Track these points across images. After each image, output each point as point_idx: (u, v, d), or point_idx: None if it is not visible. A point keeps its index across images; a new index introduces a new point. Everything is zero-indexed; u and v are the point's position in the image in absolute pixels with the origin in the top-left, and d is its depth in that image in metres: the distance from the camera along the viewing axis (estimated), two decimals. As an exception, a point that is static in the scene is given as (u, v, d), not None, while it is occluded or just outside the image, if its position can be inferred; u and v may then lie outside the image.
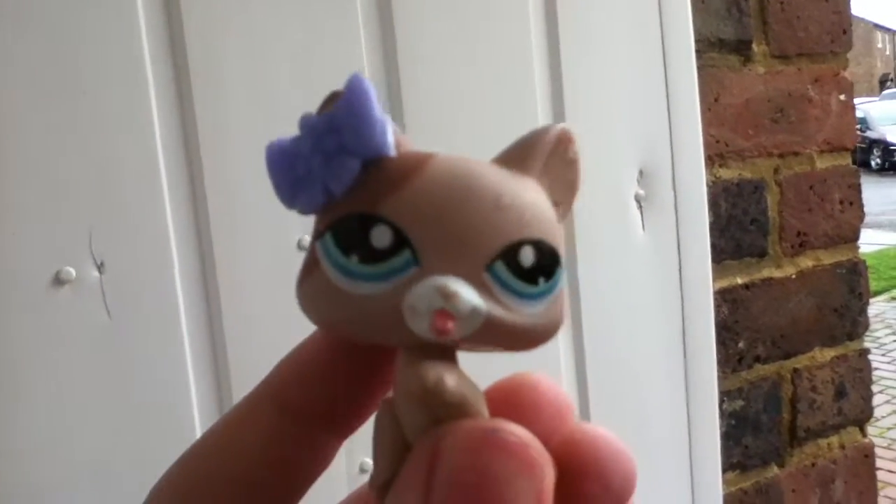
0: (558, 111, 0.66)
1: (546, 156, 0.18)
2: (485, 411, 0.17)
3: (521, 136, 0.19)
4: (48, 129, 0.48)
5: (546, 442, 0.17)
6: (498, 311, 0.16)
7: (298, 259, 0.60)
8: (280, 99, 0.54)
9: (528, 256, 0.17)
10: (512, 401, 0.20)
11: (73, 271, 0.49)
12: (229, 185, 0.53)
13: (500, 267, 0.17)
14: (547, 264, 0.17)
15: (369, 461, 0.58)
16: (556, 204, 0.18)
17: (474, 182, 0.17)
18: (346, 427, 0.20)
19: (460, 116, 0.62)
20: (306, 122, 0.17)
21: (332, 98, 0.17)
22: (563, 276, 0.18)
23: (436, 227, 0.16)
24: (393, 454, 0.17)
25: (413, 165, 0.17)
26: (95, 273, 0.50)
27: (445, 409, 0.16)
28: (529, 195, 0.18)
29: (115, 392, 0.51)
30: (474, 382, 0.17)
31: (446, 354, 0.17)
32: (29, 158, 0.48)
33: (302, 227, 0.54)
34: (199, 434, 0.53)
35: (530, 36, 0.64)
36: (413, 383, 0.16)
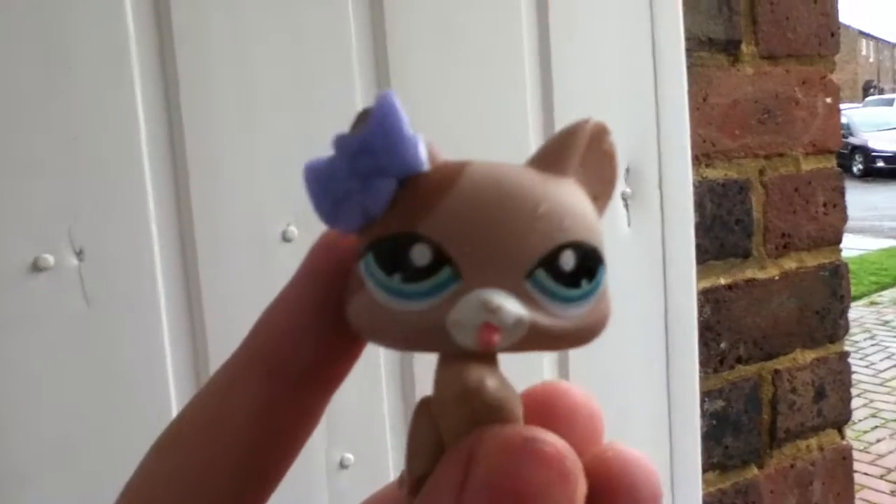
0: (548, 107, 0.66)
1: (582, 152, 0.18)
2: (521, 416, 0.17)
3: (556, 134, 0.19)
4: (27, 108, 0.47)
5: (580, 451, 0.17)
6: (542, 319, 0.17)
7: (282, 249, 0.59)
8: (267, 85, 0.54)
9: (568, 261, 0.17)
10: (548, 407, 0.20)
11: (51, 258, 0.48)
12: (213, 172, 0.52)
13: (542, 274, 0.17)
14: (588, 265, 0.17)
15: (350, 456, 0.58)
16: (594, 198, 0.19)
17: (510, 191, 0.17)
18: (333, 383, 0.20)
19: (449, 112, 0.61)
20: (340, 143, 0.17)
21: (363, 117, 0.17)
22: (606, 274, 0.18)
23: (474, 241, 0.16)
24: (428, 452, 0.17)
25: (447, 179, 0.17)
26: (74, 260, 0.49)
27: (485, 412, 0.16)
28: (568, 198, 0.17)
29: (92, 381, 0.50)
30: (513, 386, 0.17)
31: (487, 357, 0.17)
32: (7, 139, 0.47)
33: (286, 217, 0.54)
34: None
35: (521, 33, 0.64)
36: (455, 385, 0.17)
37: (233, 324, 0.53)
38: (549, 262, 0.17)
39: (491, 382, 0.17)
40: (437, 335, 0.16)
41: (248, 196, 0.53)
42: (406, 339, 0.17)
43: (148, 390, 0.51)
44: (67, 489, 0.49)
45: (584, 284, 0.17)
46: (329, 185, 0.17)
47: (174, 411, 0.52)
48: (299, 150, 0.54)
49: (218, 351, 0.52)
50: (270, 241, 0.54)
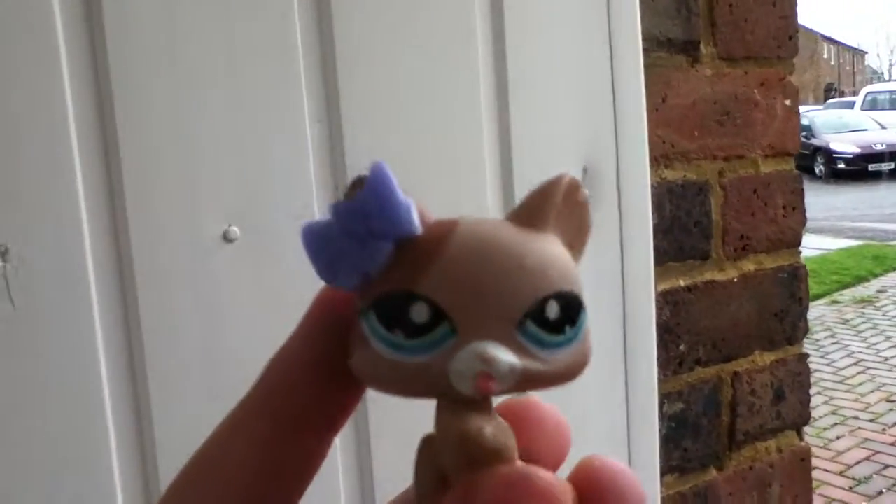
0: (503, 108, 0.64)
1: (559, 206, 0.20)
2: (516, 455, 0.19)
3: (534, 190, 0.20)
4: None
5: (545, 457, 0.19)
6: (532, 365, 0.18)
7: (222, 248, 0.56)
8: (203, 81, 0.52)
9: (553, 310, 0.19)
10: (517, 419, 0.21)
11: (-27, 258, 0.45)
12: (148, 169, 0.50)
13: (530, 324, 0.18)
14: (571, 312, 0.19)
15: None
16: (569, 247, 0.20)
17: (497, 248, 0.19)
18: (336, 425, 0.22)
19: (402, 114, 0.59)
20: (337, 210, 0.19)
21: (357, 184, 0.19)
22: (587, 319, 0.20)
23: (467, 297, 0.18)
24: (432, 484, 0.19)
25: (439, 239, 0.19)
26: (-1, 261, 0.46)
27: (483, 455, 0.18)
28: (549, 251, 0.19)
29: (20, 388, 0.47)
30: (507, 426, 0.19)
31: (483, 401, 0.19)
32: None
33: (226, 216, 0.52)
34: (111, 431, 0.50)
35: (476, 32, 0.63)
36: (456, 431, 0.18)
37: (171, 329, 0.50)
38: (536, 312, 0.18)
39: (488, 429, 0.18)
40: (439, 385, 0.18)
41: (186, 189, 0.51)
42: (409, 388, 0.19)
43: (80, 400, 0.49)
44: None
45: (568, 330, 0.19)
46: (325, 246, 0.19)
47: (108, 422, 0.50)
48: (240, 149, 0.52)
49: (155, 358, 0.50)
50: (211, 241, 0.51)
